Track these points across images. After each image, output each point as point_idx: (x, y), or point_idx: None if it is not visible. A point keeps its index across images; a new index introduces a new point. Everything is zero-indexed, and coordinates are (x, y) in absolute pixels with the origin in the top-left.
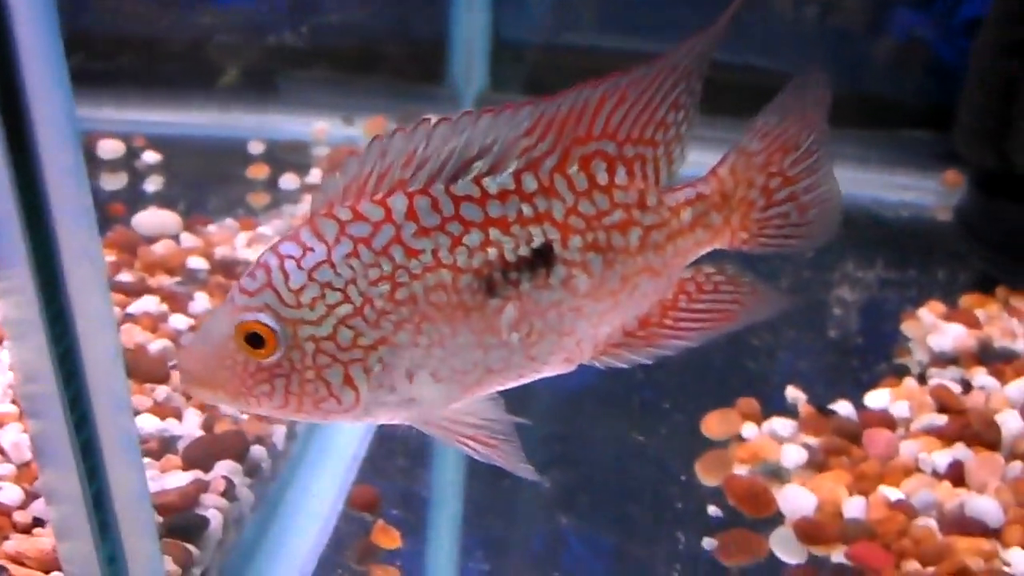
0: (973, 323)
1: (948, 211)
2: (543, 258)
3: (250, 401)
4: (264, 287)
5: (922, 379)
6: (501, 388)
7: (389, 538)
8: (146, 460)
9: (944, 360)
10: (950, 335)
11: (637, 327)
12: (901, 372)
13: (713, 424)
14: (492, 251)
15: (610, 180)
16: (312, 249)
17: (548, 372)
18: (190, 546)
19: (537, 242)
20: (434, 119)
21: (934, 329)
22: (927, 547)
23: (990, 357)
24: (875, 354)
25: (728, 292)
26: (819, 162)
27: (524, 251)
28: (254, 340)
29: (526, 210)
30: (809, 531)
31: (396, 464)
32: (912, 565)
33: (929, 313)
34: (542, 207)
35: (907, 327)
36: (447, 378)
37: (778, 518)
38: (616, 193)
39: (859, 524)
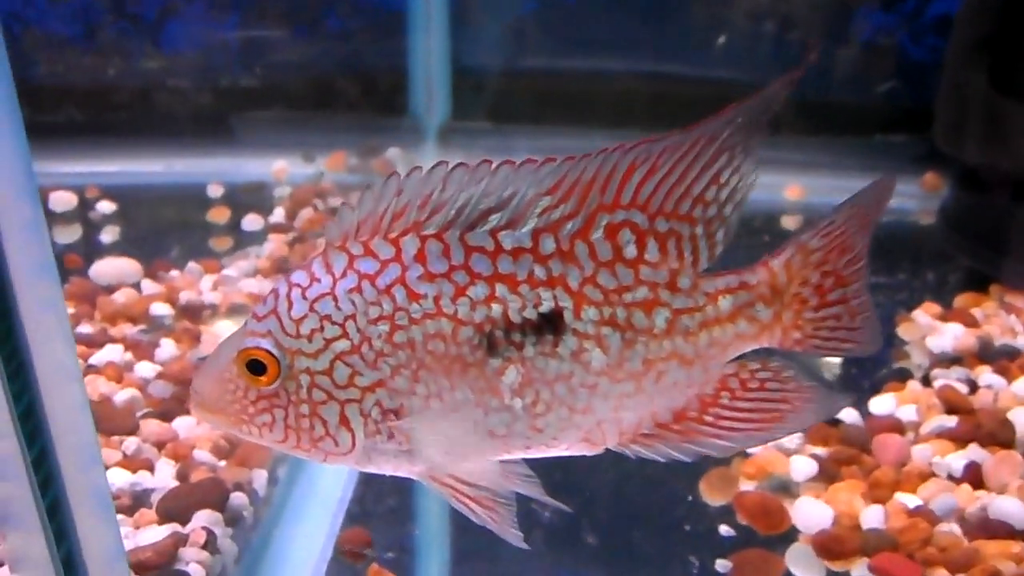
0: (971, 322)
1: (930, 214)
2: (551, 325)
3: (252, 431)
4: (270, 314)
5: (926, 381)
6: (508, 456)
7: None
8: (118, 517)
9: (946, 361)
10: (950, 335)
11: (672, 420)
12: (903, 376)
13: None
14: (496, 307)
15: (639, 255)
16: (319, 280)
17: (564, 450)
18: None
19: (546, 307)
20: (451, 163)
21: (931, 331)
22: (954, 554)
23: (992, 355)
24: (873, 360)
25: (776, 391)
26: (864, 270)
27: (531, 314)
28: (254, 367)
29: (539, 271)
30: (828, 545)
31: (385, 504)
32: (940, 573)
33: (924, 315)
34: (556, 271)
35: (903, 330)
36: (447, 435)
37: (792, 534)
38: (643, 269)
39: (880, 535)
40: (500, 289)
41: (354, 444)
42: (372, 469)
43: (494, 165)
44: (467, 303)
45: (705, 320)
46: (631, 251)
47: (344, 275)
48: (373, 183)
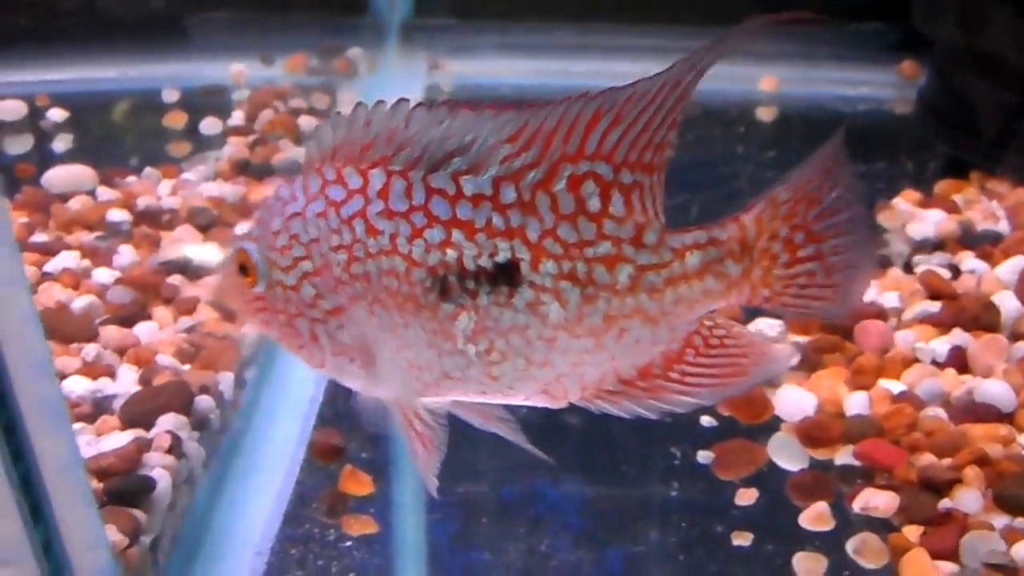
0: (952, 208)
1: (907, 103)
2: (507, 275)
3: (257, 325)
4: (258, 221)
5: (908, 268)
6: (464, 398)
7: (359, 484)
8: (79, 425)
9: (928, 247)
10: (931, 221)
11: (637, 376)
12: (884, 263)
13: None
14: (451, 253)
15: (603, 208)
16: (295, 199)
17: (522, 399)
18: (136, 511)
19: (502, 257)
20: (412, 101)
21: (912, 217)
22: (940, 438)
23: (974, 240)
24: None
25: (735, 347)
26: (850, 225)
27: (486, 263)
28: (243, 268)
29: (497, 220)
30: (812, 433)
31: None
32: (926, 458)
33: (904, 202)
34: (515, 222)
35: (883, 218)
36: (403, 369)
37: (775, 423)
38: (606, 223)
39: (865, 420)
40: (456, 235)
41: (323, 361)
42: (347, 384)
43: (453, 107)
44: (422, 245)
45: (671, 277)
46: (595, 204)
47: (315, 199)
48: (339, 112)
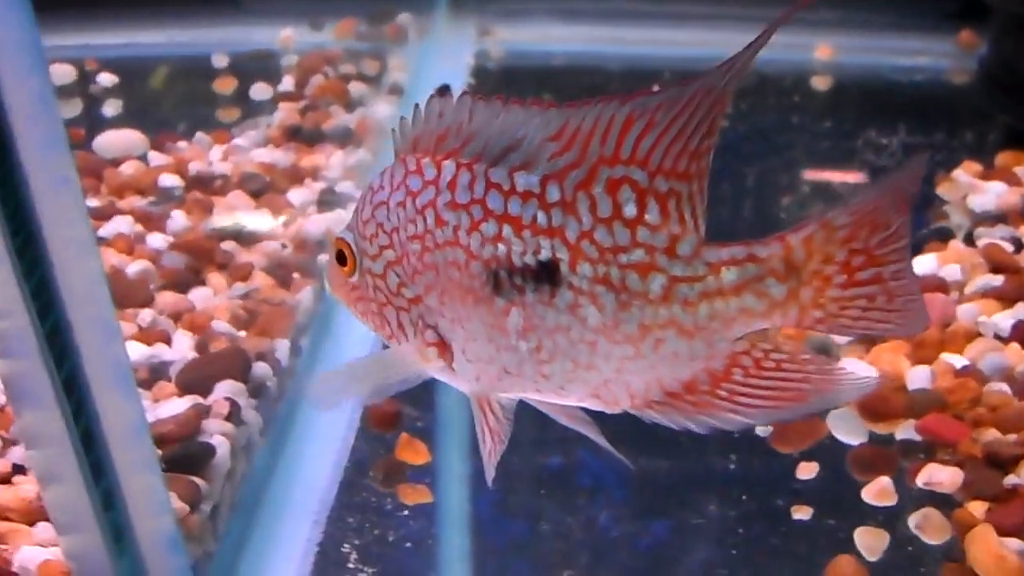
0: (1014, 181)
1: (965, 73)
2: (549, 274)
3: (357, 315)
4: (356, 209)
5: (969, 240)
6: (524, 396)
7: (415, 453)
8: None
9: (989, 219)
10: (992, 193)
11: (683, 390)
12: (944, 235)
13: None
14: (502, 248)
15: (638, 215)
16: (383, 188)
17: (576, 401)
18: (196, 479)
19: (544, 255)
20: (469, 95)
21: (972, 189)
22: (1005, 413)
23: None
24: (913, 219)
25: (795, 372)
26: (905, 250)
27: (530, 260)
28: (340, 256)
29: (542, 218)
30: (874, 407)
31: None
32: (990, 434)
33: (965, 174)
34: (557, 221)
35: (943, 190)
36: (473, 362)
37: None
38: (640, 230)
39: (927, 394)
40: (507, 230)
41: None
42: (433, 375)
43: (505, 102)
44: (478, 238)
45: (706, 291)
46: (630, 210)
47: (397, 188)
48: (416, 104)
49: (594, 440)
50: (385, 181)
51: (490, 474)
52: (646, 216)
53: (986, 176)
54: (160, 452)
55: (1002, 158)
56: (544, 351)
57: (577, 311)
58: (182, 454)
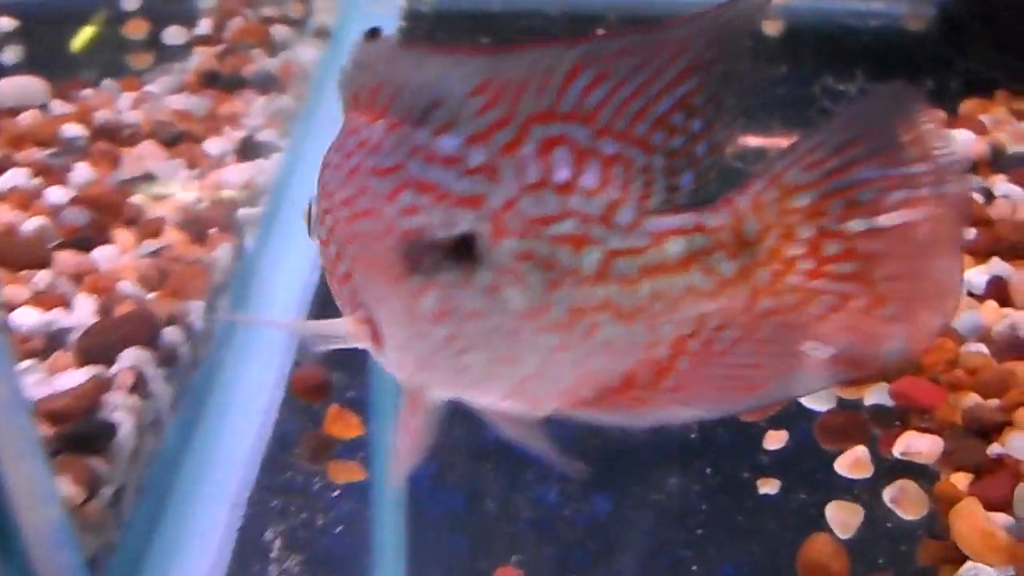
0: (980, 129)
1: (921, 20)
2: (468, 250)
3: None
4: None
5: None
6: (445, 394)
7: (346, 426)
8: (29, 362)
9: None
10: (959, 142)
11: (620, 386)
12: None
13: None
14: (418, 220)
15: (573, 179)
16: (331, 148)
17: (493, 400)
18: (94, 460)
19: (462, 228)
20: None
21: None
22: (986, 376)
23: (1006, 164)
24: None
25: (750, 355)
26: (920, 229)
27: (447, 234)
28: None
29: (461, 186)
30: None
31: None
32: (970, 399)
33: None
34: (479, 189)
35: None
36: (394, 349)
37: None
38: (573, 198)
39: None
40: (425, 200)
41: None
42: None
43: (422, 51)
44: (395, 208)
45: (647, 265)
46: (563, 173)
47: (338, 148)
48: (351, 53)
49: (540, 449)
50: (335, 139)
51: (395, 478)
52: (581, 180)
53: (951, 124)
54: (54, 431)
55: (966, 106)
56: (461, 339)
57: (498, 293)
58: (78, 433)
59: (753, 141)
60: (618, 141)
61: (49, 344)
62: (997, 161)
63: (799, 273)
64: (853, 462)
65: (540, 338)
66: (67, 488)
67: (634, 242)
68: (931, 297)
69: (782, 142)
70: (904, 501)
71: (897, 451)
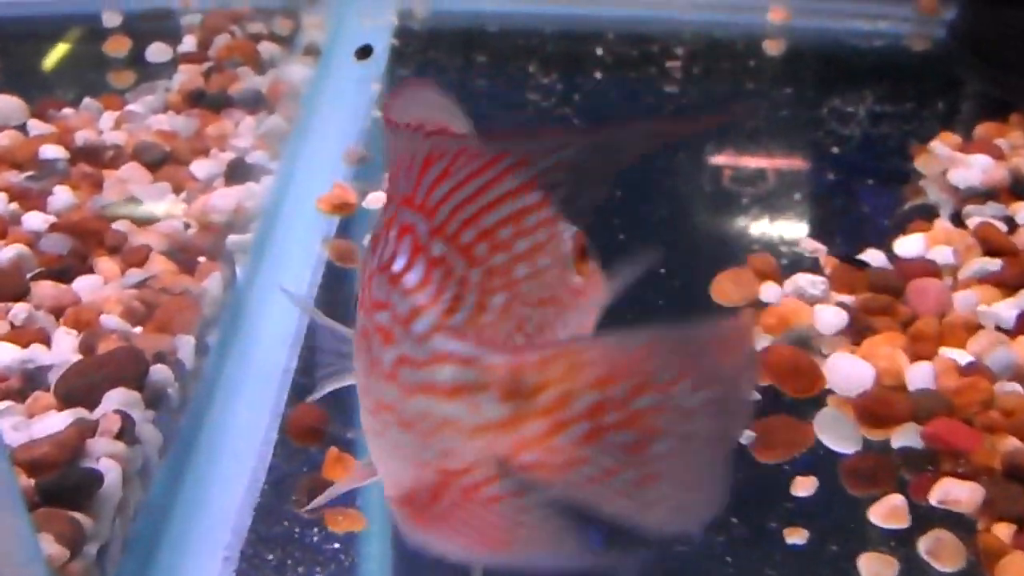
0: (997, 153)
1: (926, 40)
2: None
3: None
4: None
5: (957, 219)
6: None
7: (346, 470)
8: (5, 404)
9: (976, 196)
10: (977, 168)
11: (428, 496)
12: (929, 213)
13: (726, 287)
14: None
15: (403, 271)
16: None
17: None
18: (78, 515)
19: None
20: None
21: (953, 163)
22: (1023, 419)
23: None
24: (889, 195)
25: (510, 509)
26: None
27: None
28: None
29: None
30: (873, 409)
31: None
32: (1009, 443)
33: (943, 146)
34: (367, 260)
35: (920, 163)
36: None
37: (819, 398)
38: (395, 291)
39: (933, 396)
40: None
41: None
42: None
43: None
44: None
45: (420, 383)
46: (400, 263)
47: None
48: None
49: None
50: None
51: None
52: (406, 276)
53: (966, 149)
54: (33, 482)
55: (982, 129)
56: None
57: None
58: (60, 484)
59: (753, 163)
60: (447, 244)
61: (27, 384)
62: (1018, 187)
63: (571, 436)
64: (889, 511)
65: (366, 421)
66: (49, 546)
67: (418, 354)
68: (702, 487)
69: (783, 165)
70: (941, 552)
71: (934, 499)
